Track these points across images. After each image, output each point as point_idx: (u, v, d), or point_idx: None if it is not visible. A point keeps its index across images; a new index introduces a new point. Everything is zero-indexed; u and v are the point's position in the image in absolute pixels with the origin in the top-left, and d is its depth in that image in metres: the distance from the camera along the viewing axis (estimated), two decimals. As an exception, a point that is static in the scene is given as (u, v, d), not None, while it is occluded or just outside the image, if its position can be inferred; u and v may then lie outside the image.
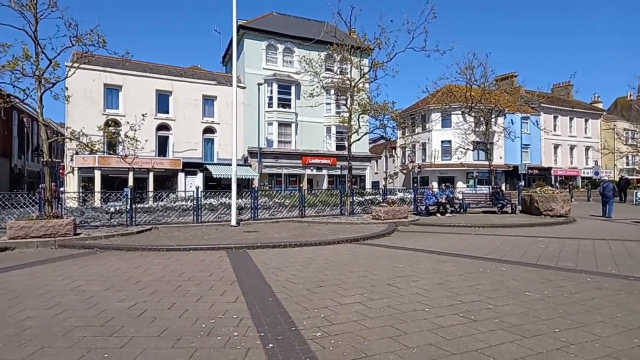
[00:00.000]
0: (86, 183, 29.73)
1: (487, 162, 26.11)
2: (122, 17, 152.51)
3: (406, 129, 48.45)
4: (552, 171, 51.19)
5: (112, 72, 30.62)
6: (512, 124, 35.99)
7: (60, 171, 33.13)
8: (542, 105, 45.46)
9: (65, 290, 5.70)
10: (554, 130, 51.47)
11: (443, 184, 25.71)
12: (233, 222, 14.80)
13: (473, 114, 27.23)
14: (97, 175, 29.71)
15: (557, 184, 43.82)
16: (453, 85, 27.93)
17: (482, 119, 27.40)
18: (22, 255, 9.06)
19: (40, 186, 30.37)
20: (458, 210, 19.69)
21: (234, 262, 7.91)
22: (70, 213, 14.53)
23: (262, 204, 18.40)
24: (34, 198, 14.42)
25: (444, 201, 18.70)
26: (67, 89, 13.38)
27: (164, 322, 4.37)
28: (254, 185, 31.76)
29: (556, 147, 52.46)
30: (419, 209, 19.22)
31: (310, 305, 4.94)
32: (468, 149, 29.07)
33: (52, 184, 12.71)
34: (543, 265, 7.44)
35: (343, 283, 6.09)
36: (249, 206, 17.49)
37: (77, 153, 28.23)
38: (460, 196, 21.95)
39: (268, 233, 12.54)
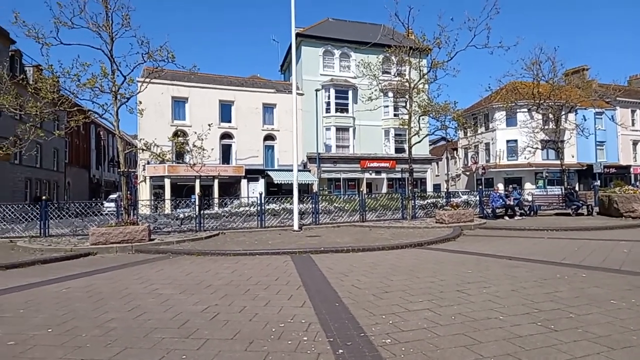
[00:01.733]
0: (157, 191, 31.49)
1: (558, 162, 24.68)
2: (186, 33, 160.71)
3: (468, 130, 46.87)
4: (632, 169, 47.34)
5: (179, 85, 32.27)
6: (585, 120, 33.70)
7: (134, 180, 35.34)
8: (618, 99, 42.15)
9: (144, 294, 6.04)
10: (632, 125, 47.53)
11: (510, 186, 24.58)
12: (295, 227, 15.01)
13: (541, 111, 25.82)
14: (167, 183, 31.37)
15: (638, 183, 40.44)
16: (518, 82, 26.66)
17: (551, 116, 25.94)
18: (104, 260, 9.73)
19: (117, 195, 33.40)
20: (528, 212, 18.73)
21: (298, 267, 8.00)
22: (145, 220, 15.41)
23: (322, 208, 18.52)
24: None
25: (512, 203, 17.85)
26: (140, 102, 14.25)
27: (236, 325, 4.50)
28: (313, 190, 32.06)
29: (635, 143, 48.49)
30: (485, 211, 18.50)
31: (378, 311, 4.89)
32: (536, 148, 27.60)
33: (128, 192, 13.56)
34: (628, 271, 6.87)
35: (410, 289, 5.97)
36: (310, 211, 17.68)
37: (148, 163, 29.95)
38: (529, 198, 20.86)
39: (330, 238, 12.59)
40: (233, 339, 4.05)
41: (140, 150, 14.68)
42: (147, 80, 14.36)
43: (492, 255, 8.93)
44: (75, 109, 12.95)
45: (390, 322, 4.48)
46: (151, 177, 31.46)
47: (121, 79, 12.84)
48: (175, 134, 19.74)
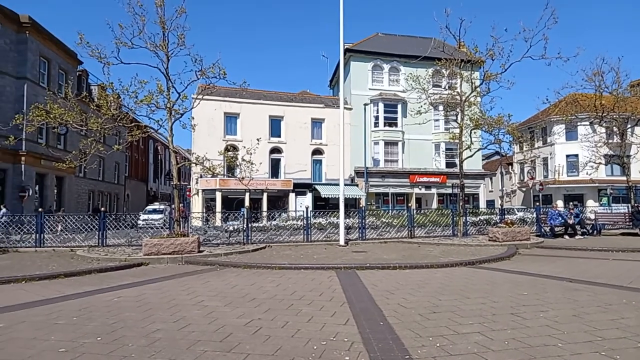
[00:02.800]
0: (209, 204, 32.42)
1: (623, 178, 23.07)
2: (238, 51, 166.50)
3: (524, 144, 44.99)
4: None
5: (231, 101, 33.29)
6: (654, 133, 31.41)
7: (187, 193, 36.62)
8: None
9: (190, 305, 6.12)
10: None
11: (570, 203, 23.22)
12: (341, 242, 14.86)
13: (604, 124, 24.33)
14: (218, 196, 32.24)
15: None
16: (579, 94, 25.32)
17: (615, 129, 24.38)
18: (155, 270, 10.02)
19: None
20: (590, 232, 17.56)
21: (343, 283, 7.86)
22: (195, 232, 15.83)
23: (369, 223, 18.27)
24: (164, 218, 16.02)
25: (572, 222, 16.80)
26: (193, 118, 14.78)
27: (278, 341, 4.43)
28: (360, 205, 31.81)
29: None
30: (542, 230, 17.53)
31: (424, 333, 4.65)
32: (599, 163, 25.97)
33: (181, 205, 13.99)
34: None
35: (459, 310, 5.66)
36: (356, 226, 17.48)
37: (201, 176, 30.94)
38: (592, 216, 19.58)
39: (376, 254, 12.34)
40: (274, 355, 3.97)
41: (194, 164, 15.18)
42: (201, 97, 14.91)
43: (550, 276, 8.36)
44: (133, 124, 13.62)
45: (438, 344, 4.25)
46: (203, 190, 32.46)
47: (175, 96, 13.40)
48: (226, 149, 20.32)
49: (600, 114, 22.74)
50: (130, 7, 12.36)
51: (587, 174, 31.24)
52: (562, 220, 16.93)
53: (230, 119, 34.08)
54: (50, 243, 14.71)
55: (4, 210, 20.07)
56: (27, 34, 26.25)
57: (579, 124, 31.59)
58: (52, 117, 12.53)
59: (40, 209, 17.25)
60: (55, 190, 30.06)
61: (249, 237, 15.42)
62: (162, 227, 18.61)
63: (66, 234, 15.17)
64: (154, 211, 31.04)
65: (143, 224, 21.43)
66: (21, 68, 25.89)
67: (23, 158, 25.51)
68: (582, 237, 16.58)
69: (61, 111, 12.58)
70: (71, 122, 12.65)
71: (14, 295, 7.07)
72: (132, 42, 12.59)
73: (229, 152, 16.71)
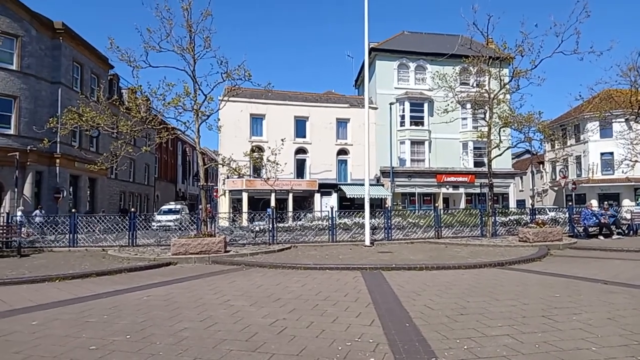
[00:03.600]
0: (235, 204, 32.79)
1: (662, 176, 22.06)
2: (265, 52, 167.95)
3: (556, 142, 43.70)
4: None
5: (257, 102, 33.59)
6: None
7: (215, 194, 37.12)
8: None
9: (216, 304, 6.18)
10: None
11: (605, 202, 22.42)
12: (367, 242, 14.76)
13: (641, 120, 23.39)
14: (245, 196, 32.58)
15: None
16: (613, 90, 24.43)
17: (652, 125, 23.38)
18: (183, 270, 10.19)
19: (198, 207, 34.34)
20: (626, 232, 16.90)
21: (368, 283, 7.79)
22: (222, 232, 16.02)
23: (395, 224, 18.08)
24: (192, 218, 16.28)
25: (607, 222, 16.21)
26: (219, 120, 14.97)
27: (303, 341, 4.41)
28: (386, 205, 31.56)
29: None
30: (575, 230, 16.99)
31: (452, 335, 4.56)
32: (636, 161, 24.94)
33: (208, 205, 14.17)
34: None
35: (488, 312, 5.53)
36: (382, 226, 17.34)
37: (228, 177, 31.32)
38: (628, 216, 18.83)
39: (402, 254, 12.20)
40: (299, 355, 3.97)
41: (220, 165, 15.36)
42: (227, 98, 15.10)
43: (583, 278, 8.08)
44: (162, 126, 13.90)
45: (465, 347, 4.15)
46: (230, 191, 32.86)
47: (202, 98, 13.59)
48: (252, 150, 20.51)
49: (636, 111, 21.87)
50: (158, 12, 12.64)
51: (622, 172, 30.06)
52: (596, 220, 16.35)
53: (256, 120, 34.39)
54: (83, 243, 15.17)
55: (37, 211, 20.81)
56: (61, 40, 27.18)
57: (614, 120, 30.52)
58: (85, 120, 12.92)
59: (73, 210, 17.82)
60: (88, 192, 31.01)
61: (275, 237, 15.50)
62: (178, 229, 18.10)
63: (98, 234, 15.60)
64: (170, 211, 29.16)
65: (157, 226, 20.37)
66: (56, 73, 26.82)
67: (58, 160, 26.41)
68: (618, 237, 15.98)
69: (93, 114, 12.96)
70: (102, 125, 13.02)
71: (49, 294, 7.30)
72: (160, 46, 12.85)
73: (255, 153, 16.80)
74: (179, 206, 31.99)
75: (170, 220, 23.00)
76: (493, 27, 16.91)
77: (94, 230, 15.58)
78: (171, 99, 12.95)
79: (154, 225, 20.64)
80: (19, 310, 6.04)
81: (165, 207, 31.96)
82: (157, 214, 26.43)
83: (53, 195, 25.94)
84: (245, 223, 20.00)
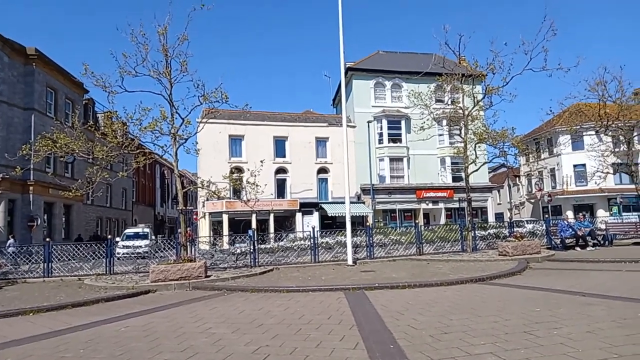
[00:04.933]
0: (216, 227, 32.37)
1: (633, 186, 22.83)
2: (242, 76, 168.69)
3: (530, 155, 44.80)
4: None
5: (235, 123, 33.52)
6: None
7: (194, 217, 36.61)
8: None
9: (197, 333, 6.03)
10: None
11: (580, 214, 22.94)
12: (349, 262, 14.73)
13: (610, 133, 24.22)
14: (225, 218, 32.20)
15: None
16: (582, 104, 25.30)
17: (622, 138, 24.24)
18: (162, 297, 9.96)
19: (177, 231, 33.31)
20: (602, 242, 17.27)
21: (352, 304, 7.75)
22: (202, 256, 15.78)
23: (377, 241, 18.13)
24: (172, 243, 16.01)
25: (583, 233, 16.57)
26: (197, 143, 14.89)
27: (285, 368, 4.34)
28: (368, 223, 31.67)
29: None
30: (553, 242, 17.29)
31: (436, 356, 4.55)
32: (607, 172, 25.75)
33: (188, 229, 13.95)
34: None
35: (471, 330, 5.55)
36: (364, 244, 17.36)
37: (207, 199, 30.99)
38: (603, 226, 19.30)
39: (385, 272, 12.20)
40: (281, 385, 3.89)
41: (200, 188, 15.21)
42: (205, 120, 15.05)
43: (563, 291, 8.20)
44: (139, 150, 13.73)
45: (450, 368, 4.14)
46: (210, 213, 32.47)
47: (179, 121, 13.52)
48: (232, 171, 20.44)
49: (606, 123, 22.65)
50: (133, 37, 12.59)
51: (595, 183, 31.00)
52: (573, 232, 16.70)
53: (235, 141, 34.31)
54: (58, 272, 14.71)
55: (11, 240, 20.16)
56: (34, 66, 26.82)
57: (584, 133, 31.48)
58: (59, 146, 12.69)
59: (48, 239, 17.31)
60: (64, 219, 30.23)
61: (256, 260, 15.33)
62: (149, 256, 17.21)
63: (74, 263, 15.17)
64: (136, 236, 26.16)
65: (123, 255, 19.11)
66: (29, 99, 26.37)
67: (31, 188, 25.77)
68: (593, 248, 16.33)
69: (67, 140, 12.74)
70: (77, 151, 12.80)
71: (22, 328, 7.03)
72: (135, 71, 12.78)
73: (234, 175, 16.75)
74: (147, 230, 29.26)
75: (140, 247, 21.43)
76: (464, 46, 17.58)
77: (69, 259, 15.14)
78: (148, 123, 12.86)
79: (118, 253, 19.27)
80: (-10, 347, 5.79)
81: (129, 231, 28.64)
82: (121, 240, 24.18)
83: (27, 223, 25.21)
84: (226, 246, 19.75)
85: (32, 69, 26.74)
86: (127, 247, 21.38)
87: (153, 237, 26.86)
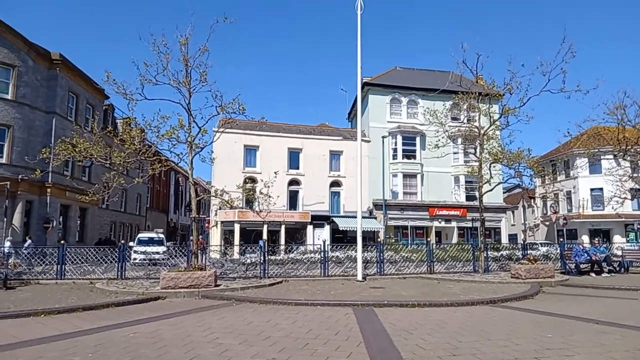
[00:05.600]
0: (227, 236, 32.52)
1: (651, 212, 22.31)
2: (260, 87, 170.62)
3: (546, 177, 44.24)
4: None
5: (251, 134, 33.88)
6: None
7: (206, 225, 36.84)
8: None
9: (204, 342, 6.05)
10: None
11: (596, 239, 22.51)
12: (359, 277, 14.65)
13: (629, 158, 23.82)
14: (237, 228, 32.37)
15: None
16: (601, 127, 24.97)
17: (640, 163, 23.86)
18: (171, 305, 10.00)
19: (189, 239, 33.26)
20: (617, 269, 16.92)
21: (360, 321, 7.70)
22: (213, 265, 15.83)
23: (388, 258, 18.01)
24: (183, 250, 16.12)
25: (599, 259, 16.25)
26: (212, 152, 15.06)
27: (291, 383, 4.33)
28: (379, 238, 31.49)
29: None
30: (567, 267, 16.98)
31: (443, 378, 4.49)
32: (625, 197, 25.26)
33: (200, 237, 14.05)
34: None
35: (480, 353, 5.47)
36: (374, 260, 17.25)
37: (220, 208, 31.16)
38: (619, 253, 18.90)
39: (395, 290, 12.10)
40: (287, 400, 3.88)
41: (213, 196, 15.33)
42: (221, 130, 15.23)
43: (576, 317, 8.04)
44: (155, 157, 13.92)
45: (457, 392, 4.08)
46: (222, 222, 32.67)
47: (196, 130, 13.68)
48: (245, 181, 20.58)
49: (624, 148, 22.31)
50: (155, 46, 12.85)
51: (612, 208, 30.38)
52: (588, 257, 16.39)
53: (250, 152, 34.61)
54: (71, 275, 14.88)
55: (29, 241, 20.50)
56: (57, 71, 27.48)
57: (602, 157, 31.05)
58: (78, 151, 12.93)
59: (62, 241, 17.55)
60: (79, 222, 30.66)
61: (266, 271, 15.33)
62: (165, 263, 17.10)
63: (86, 266, 15.34)
64: (151, 241, 24.95)
65: (140, 261, 18.68)
66: (51, 103, 26.98)
67: (49, 190, 26.22)
68: (609, 275, 15.99)
69: (86, 145, 12.99)
70: (96, 156, 13.02)
71: (33, 329, 7.12)
72: (156, 79, 12.99)
73: (247, 185, 16.85)
74: (161, 235, 27.98)
75: (158, 252, 20.85)
76: (482, 65, 17.41)
77: (82, 262, 15.32)
78: (165, 131, 13.06)
79: (134, 259, 19.10)
80: (2, 347, 5.87)
81: (143, 236, 27.10)
82: (136, 245, 23.57)
83: (42, 225, 25.61)
84: (236, 255, 19.80)
85: (55, 74, 27.41)
86: (145, 252, 20.80)
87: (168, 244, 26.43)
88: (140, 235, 28.25)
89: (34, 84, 25.90)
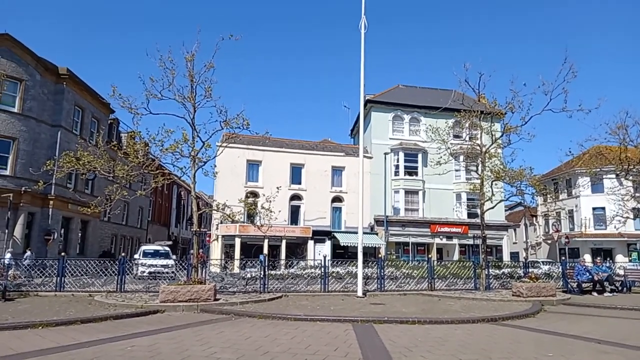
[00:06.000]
0: (228, 250, 32.43)
1: (654, 232, 22.19)
2: (263, 102, 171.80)
3: (548, 196, 44.15)
4: None
5: (254, 149, 34.06)
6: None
7: (207, 239, 36.78)
8: None
9: (202, 357, 6.02)
10: None
11: (597, 258, 22.37)
12: (359, 293, 14.57)
13: (631, 177, 23.80)
14: (237, 242, 32.29)
15: None
16: (603, 147, 24.98)
17: (642, 183, 23.81)
18: (170, 319, 9.96)
19: (189, 252, 32.92)
20: (619, 289, 16.79)
21: (359, 337, 7.65)
22: (212, 279, 15.78)
23: (388, 274, 17.93)
24: (183, 264, 16.08)
25: (601, 278, 16.14)
26: (215, 166, 15.13)
27: (288, 399, 4.30)
28: (380, 255, 31.35)
29: None
30: (569, 285, 16.87)
31: (442, 396, 4.46)
32: (627, 217, 25.14)
33: (200, 250, 14.03)
34: None
35: (480, 371, 5.43)
36: (375, 276, 17.17)
37: (221, 222, 31.16)
38: (621, 272, 18.78)
39: (395, 307, 12.02)
40: (284, 415, 3.85)
41: (214, 211, 15.36)
42: (225, 145, 15.34)
43: (577, 336, 7.97)
44: (158, 171, 13.99)
45: (455, 410, 4.05)
46: (223, 236, 32.61)
47: (200, 144, 13.77)
48: (247, 195, 20.63)
49: (626, 167, 22.30)
50: (161, 62, 13.03)
51: (615, 227, 30.21)
52: (590, 276, 16.28)
53: (253, 166, 34.73)
54: (70, 287, 14.84)
55: (28, 253, 20.49)
56: (64, 85, 27.80)
57: (604, 176, 30.99)
58: (82, 164, 13.02)
59: (63, 253, 17.54)
60: (80, 234, 30.64)
61: (266, 286, 15.26)
62: (173, 277, 16.95)
63: (86, 279, 15.30)
64: (157, 254, 24.06)
65: (148, 275, 18.41)
66: (57, 116, 27.22)
67: (51, 202, 26.27)
68: (611, 294, 15.86)
69: (90, 158, 13.07)
70: (99, 169, 13.10)
71: (30, 342, 7.10)
72: (161, 94, 13.12)
73: (249, 199, 16.90)
74: (167, 248, 27.04)
75: (167, 266, 19.64)
76: (484, 84, 17.51)
77: (81, 275, 15.27)
78: (169, 145, 13.15)
79: (143, 272, 19.01)
80: (-1, 359, 5.87)
81: (148, 248, 26.25)
82: (142, 257, 22.64)
83: (44, 237, 25.60)
84: (236, 269, 19.70)
85: (62, 88, 27.71)
86: (152, 265, 19.95)
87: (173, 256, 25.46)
88: (144, 247, 27.46)
89: (40, 98, 26.17)
